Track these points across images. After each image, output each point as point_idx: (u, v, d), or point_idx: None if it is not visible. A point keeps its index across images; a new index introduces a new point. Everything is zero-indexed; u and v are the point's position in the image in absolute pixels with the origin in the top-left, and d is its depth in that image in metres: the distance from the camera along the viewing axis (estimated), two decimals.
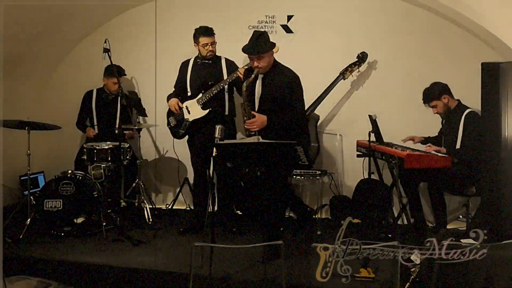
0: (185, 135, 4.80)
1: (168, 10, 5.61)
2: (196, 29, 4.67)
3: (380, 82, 5.14)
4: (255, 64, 3.90)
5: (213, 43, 4.63)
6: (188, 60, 4.80)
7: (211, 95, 4.55)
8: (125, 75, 5.26)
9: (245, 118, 4.00)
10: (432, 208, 4.59)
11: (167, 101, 4.80)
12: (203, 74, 4.67)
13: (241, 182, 4.90)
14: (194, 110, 4.64)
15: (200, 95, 4.60)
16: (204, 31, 4.61)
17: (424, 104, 4.56)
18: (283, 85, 3.95)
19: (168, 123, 4.85)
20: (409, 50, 5.04)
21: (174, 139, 4.94)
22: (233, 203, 4.97)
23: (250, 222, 4.85)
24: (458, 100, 4.51)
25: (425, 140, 4.68)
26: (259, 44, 3.91)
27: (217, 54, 4.74)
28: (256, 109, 4.02)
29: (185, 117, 4.69)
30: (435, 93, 4.45)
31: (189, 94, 4.72)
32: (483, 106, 3.67)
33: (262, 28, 5.29)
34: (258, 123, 3.94)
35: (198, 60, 4.73)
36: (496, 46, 4.50)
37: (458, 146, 4.37)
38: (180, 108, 4.71)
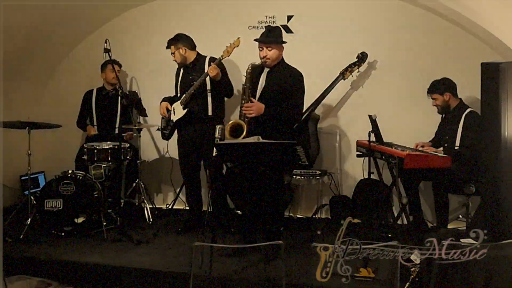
0: (170, 136, 4.88)
1: (168, 10, 5.62)
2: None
3: (380, 82, 5.14)
4: (264, 54, 4.02)
5: (174, 53, 4.70)
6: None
7: (190, 94, 4.58)
8: (121, 66, 5.40)
9: (243, 101, 4.03)
10: (435, 207, 4.59)
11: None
12: (188, 75, 4.71)
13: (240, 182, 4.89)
14: (177, 111, 4.70)
15: (184, 95, 4.65)
16: (167, 44, 4.74)
17: (427, 94, 4.58)
18: (287, 81, 4.07)
19: (160, 125, 4.94)
20: (409, 50, 5.04)
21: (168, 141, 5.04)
22: (233, 203, 4.97)
23: (250, 222, 4.84)
24: (460, 99, 4.52)
25: (433, 145, 4.67)
26: (271, 35, 4.07)
27: (201, 54, 4.79)
28: (257, 99, 4.10)
29: (171, 118, 4.75)
30: (440, 87, 4.49)
31: (178, 95, 4.79)
32: (483, 106, 3.67)
33: (262, 28, 5.29)
34: (255, 108, 4.00)
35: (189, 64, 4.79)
36: (496, 46, 4.50)
37: (457, 144, 4.38)
38: (168, 110, 4.77)
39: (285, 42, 4.12)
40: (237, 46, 4.33)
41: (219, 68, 4.38)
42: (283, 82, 4.06)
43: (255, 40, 4.12)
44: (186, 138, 4.74)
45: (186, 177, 4.86)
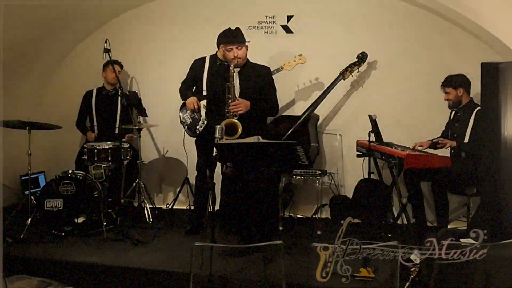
0: (201, 133, 4.71)
1: (168, 10, 5.62)
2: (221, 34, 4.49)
3: (380, 82, 5.14)
4: (235, 54, 4.14)
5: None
6: (203, 58, 4.64)
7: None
8: (122, 66, 5.43)
9: (229, 100, 4.08)
10: (435, 207, 4.59)
11: (181, 96, 4.64)
12: (221, 75, 4.46)
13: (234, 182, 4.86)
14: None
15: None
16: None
17: (440, 87, 4.58)
18: (259, 77, 4.25)
19: (182, 120, 4.73)
20: (408, 50, 5.04)
21: (186, 137, 4.91)
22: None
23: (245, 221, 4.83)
24: (471, 98, 4.52)
25: (433, 143, 4.67)
26: (239, 35, 4.20)
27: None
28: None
29: (203, 116, 4.57)
30: (454, 82, 4.50)
31: (204, 93, 4.57)
32: (483, 106, 3.67)
33: (262, 28, 5.31)
34: (242, 105, 4.10)
35: (217, 61, 4.61)
36: (496, 46, 4.50)
37: (466, 140, 4.40)
38: (199, 108, 4.59)
39: (249, 42, 4.25)
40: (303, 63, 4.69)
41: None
42: (256, 79, 4.22)
43: (222, 42, 4.24)
44: (209, 138, 4.63)
45: (201, 176, 4.72)
